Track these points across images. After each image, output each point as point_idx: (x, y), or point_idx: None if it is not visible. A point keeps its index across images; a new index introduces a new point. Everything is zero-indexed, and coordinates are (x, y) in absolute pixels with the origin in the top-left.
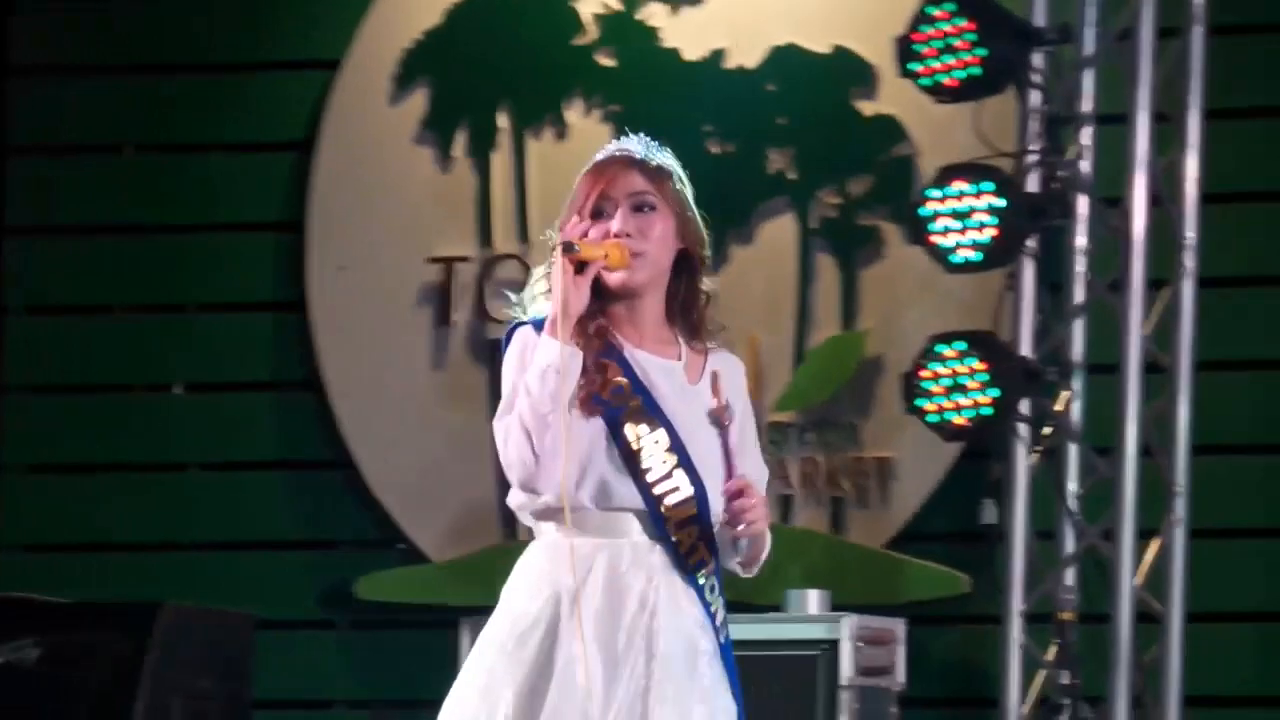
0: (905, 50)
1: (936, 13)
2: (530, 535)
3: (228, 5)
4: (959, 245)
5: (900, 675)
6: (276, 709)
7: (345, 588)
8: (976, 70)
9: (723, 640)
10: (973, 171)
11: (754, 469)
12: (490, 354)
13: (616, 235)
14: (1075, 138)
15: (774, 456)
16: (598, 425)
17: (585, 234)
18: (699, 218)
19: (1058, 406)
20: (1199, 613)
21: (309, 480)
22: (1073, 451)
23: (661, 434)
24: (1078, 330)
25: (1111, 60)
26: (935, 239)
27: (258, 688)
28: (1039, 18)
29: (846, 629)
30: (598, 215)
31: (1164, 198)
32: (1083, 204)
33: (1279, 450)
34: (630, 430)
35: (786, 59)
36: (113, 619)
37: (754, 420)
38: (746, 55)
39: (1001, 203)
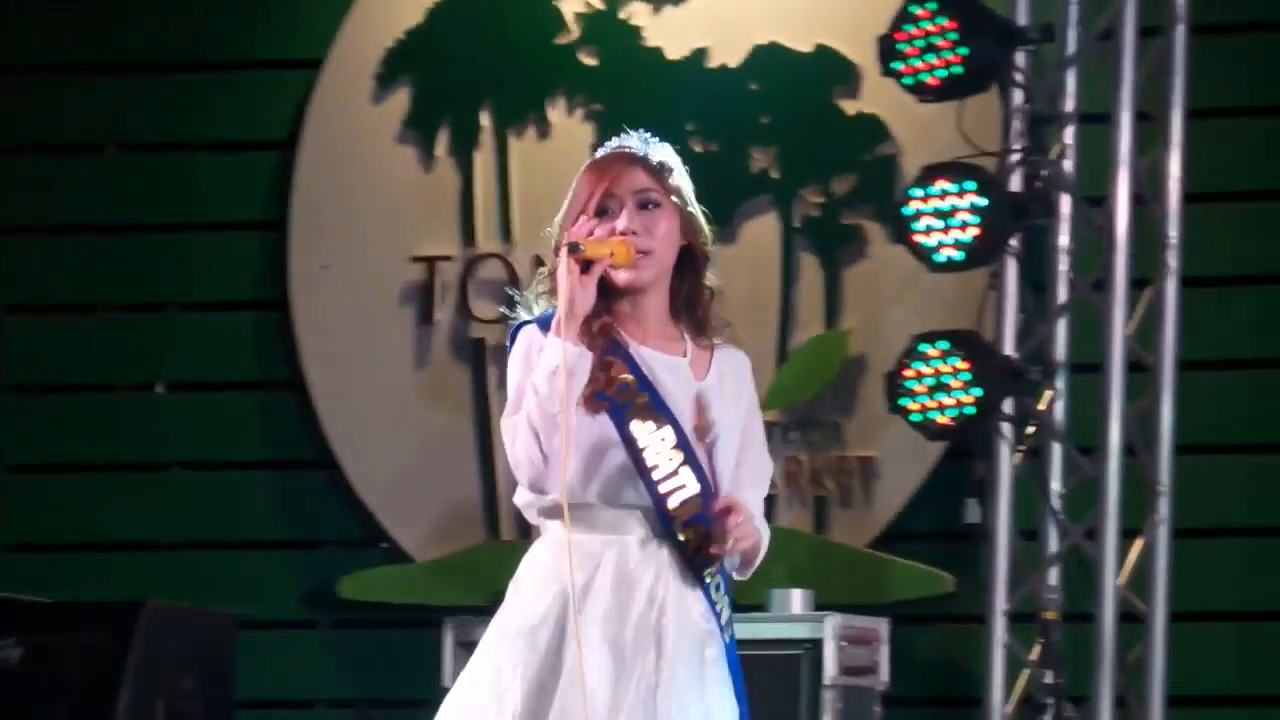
0: (888, 49)
1: (919, 12)
2: (515, 534)
3: (210, 4)
4: (942, 244)
5: (884, 674)
6: (259, 709)
7: (328, 587)
8: (959, 69)
9: (727, 639)
10: (956, 171)
11: (758, 464)
12: (472, 353)
13: (623, 233)
14: (1058, 137)
15: None
16: (604, 423)
17: (590, 233)
18: (700, 211)
19: (1041, 406)
20: (1182, 612)
21: (292, 480)
22: (1056, 451)
23: (668, 431)
24: (1061, 329)
25: (1094, 59)
26: (918, 238)
27: (240, 687)
28: (1021, 17)
29: (830, 628)
30: (602, 213)
31: (1147, 197)
32: (1065, 203)
33: (1262, 449)
34: (636, 428)
35: (769, 58)
36: (95, 618)
37: (760, 414)
38: (729, 54)
39: (984, 202)
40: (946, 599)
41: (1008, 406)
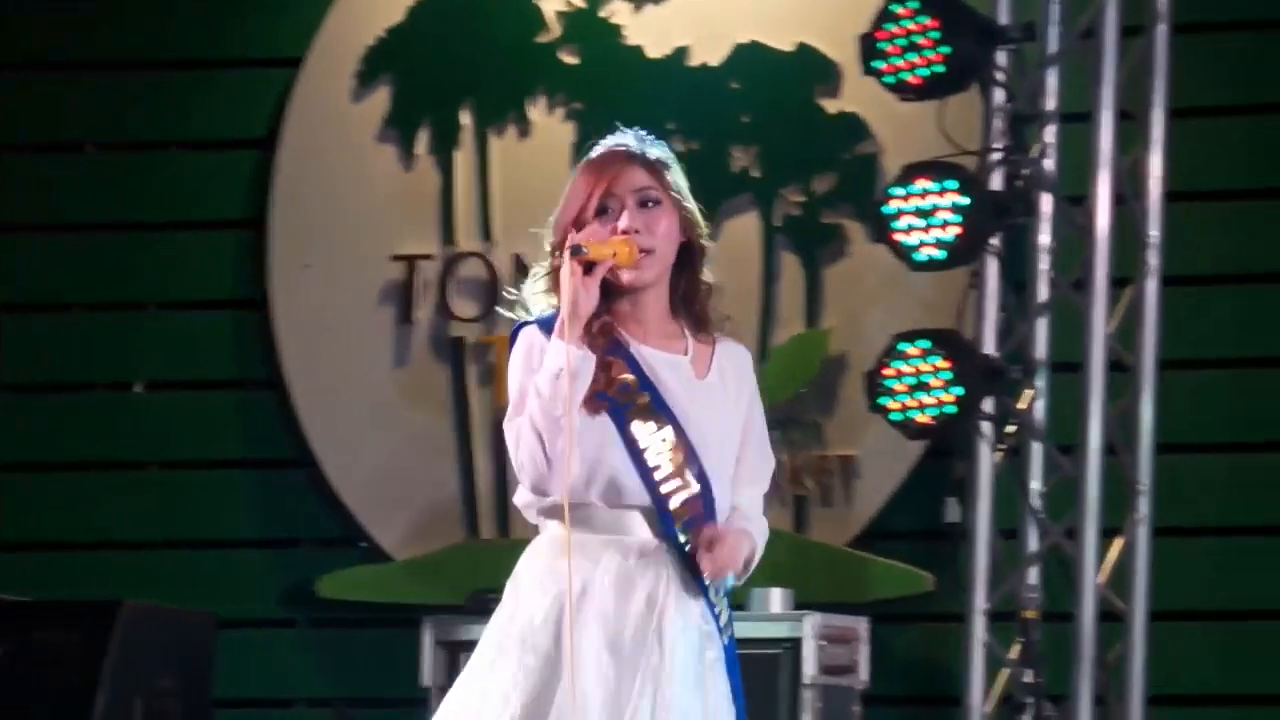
0: (869, 48)
1: (900, 10)
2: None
3: (190, 3)
4: (923, 243)
5: (863, 674)
6: (237, 708)
7: (307, 586)
8: (940, 68)
9: (726, 641)
10: (936, 169)
11: (758, 460)
12: (452, 352)
13: (624, 232)
14: (1039, 136)
15: None
16: (605, 423)
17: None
18: (696, 207)
19: (1021, 405)
20: (1162, 611)
21: (270, 479)
22: (1036, 450)
23: (669, 431)
24: (1041, 328)
25: (1075, 58)
26: (899, 237)
27: (219, 686)
28: (1003, 16)
29: (809, 627)
30: (602, 213)
31: (1128, 196)
32: (1046, 202)
33: (1242, 449)
34: (638, 428)
35: (750, 57)
36: (73, 618)
37: (761, 409)
38: (710, 53)
39: (965, 201)
40: (926, 598)
41: (988, 405)
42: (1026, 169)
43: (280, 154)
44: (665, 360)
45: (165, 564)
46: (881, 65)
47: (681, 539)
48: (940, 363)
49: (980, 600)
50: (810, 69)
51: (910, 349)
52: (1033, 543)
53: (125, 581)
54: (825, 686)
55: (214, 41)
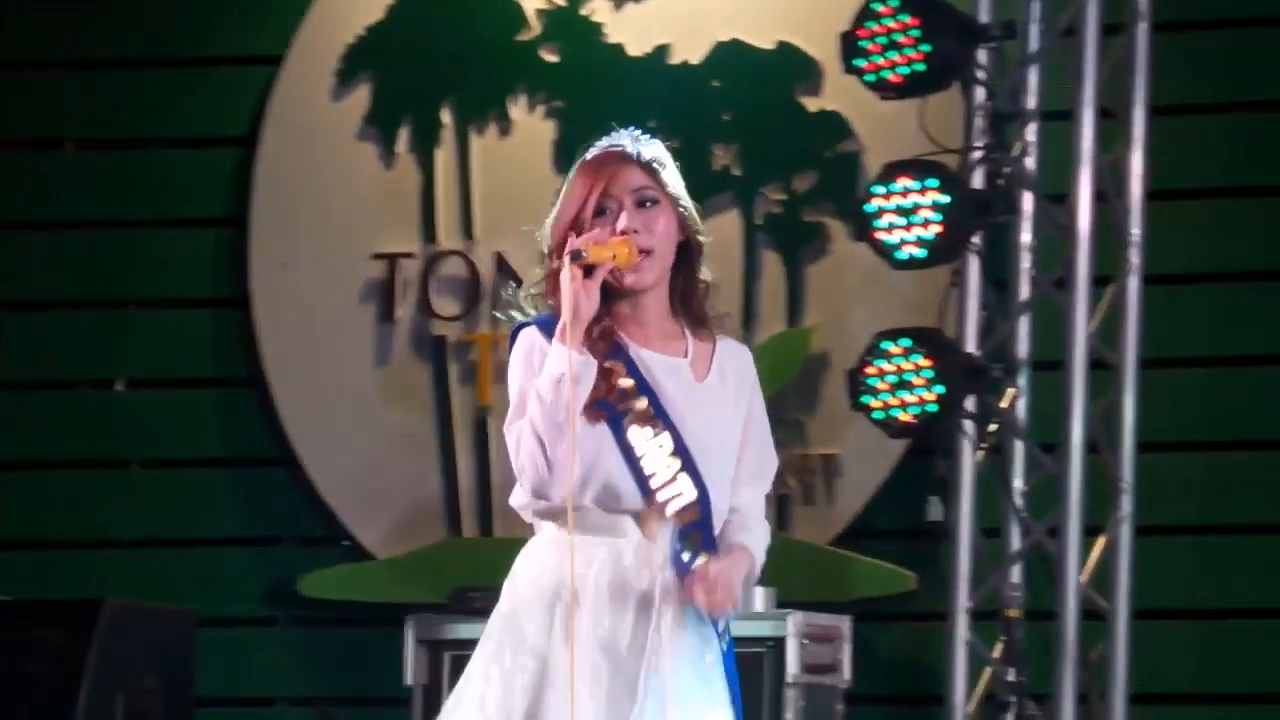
0: (850, 46)
1: (881, 9)
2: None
3: (169, 1)
4: (904, 242)
5: (846, 672)
6: (219, 706)
7: (288, 585)
8: (921, 66)
9: (724, 646)
10: (918, 168)
11: (759, 460)
12: (433, 350)
13: (623, 232)
14: (1020, 134)
15: None
16: (602, 429)
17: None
18: (693, 205)
19: (1003, 403)
20: (1145, 610)
21: (252, 477)
22: (1018, 448)
23: (666, 437)
24: (1023, 327)
25: (1056, 56)
26: (880, 235)
27: (201, 685)
28: (983, 14)
29: (792, 626)
30: (599, 214)
31: (1109, 194)
32: (1028, 200)
33: (1224, 447)
34: (635, 434)
35: (731, 55)
36: (54, 617)
37: (763, 407)
38: (690, 51)
39: (946, 199)
40: (909, 597)
41: (970, 404)
42: (1008, 167)
43: (261, 152)
44: (665, 364)
45: (147, 563)
46: (862, 63)
47: (677, 546)
48: (922, 361)
49: (963, 599)
50: (791, 67)
51: (892, 347)
52: (1015, 541)
53: (107, 580)
54: (808, 685)
55: (194, 40)
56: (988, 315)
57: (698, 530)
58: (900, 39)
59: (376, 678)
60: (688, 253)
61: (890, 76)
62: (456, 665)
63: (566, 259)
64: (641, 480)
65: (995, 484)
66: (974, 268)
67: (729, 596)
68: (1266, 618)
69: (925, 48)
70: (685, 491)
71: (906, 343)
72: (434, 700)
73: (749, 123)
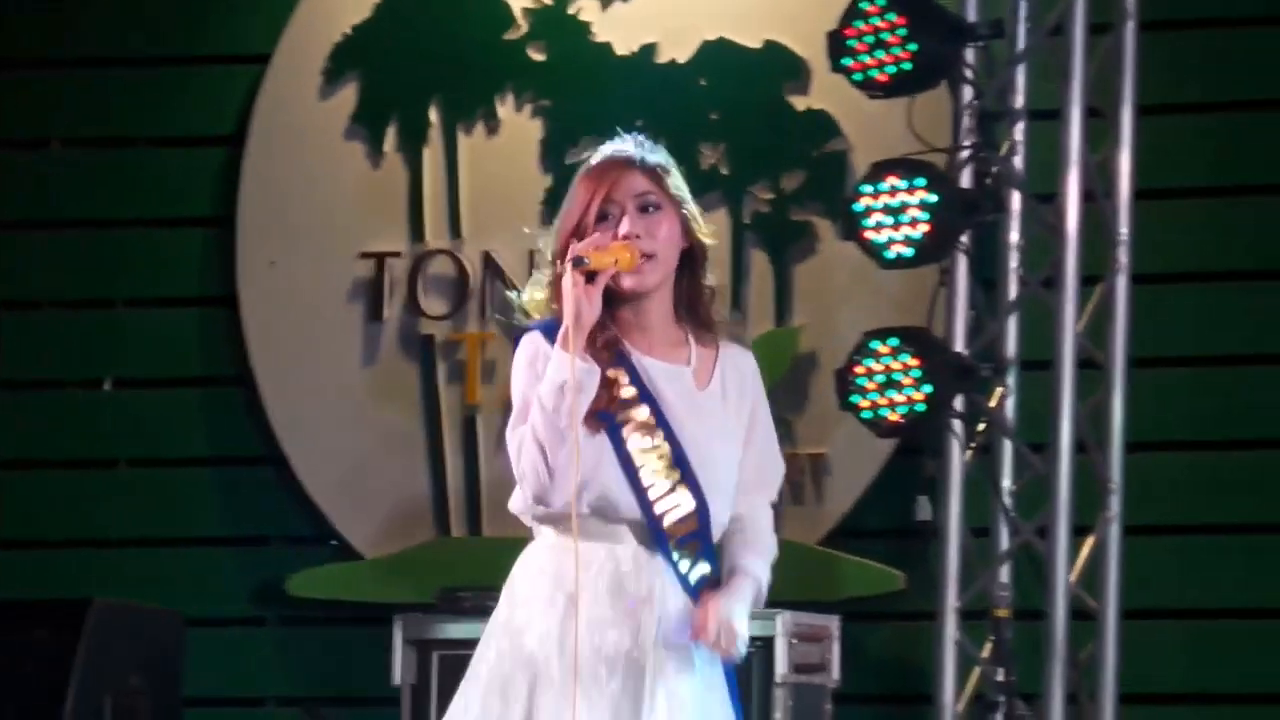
0: (837, 45)
1: (868, 8)
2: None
3: (157, 0)
4: (892, 241)
5: (835, 672)
6: (207, 706)
7: (277, 584)
8: (908, 65)
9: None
10: (906, 167)
11: (762, 469)
12: (421, 349)
13: (625, 238)
14: (1008, 133)
15: None
16: (602, 440)
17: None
18: (698, 211)
19: (992, 403)
20: (1134, 609)
21: (240, 476)
22: (1007, 448)
23: (666, 447)
24: (1011, 326)
25: (1044, 55)
26: (868, 234)
27: (189, 685)
28: (971, 13)
29: (781, 626)
30: (602, 219)
31: (1097, 193)
32: (1016, 200)
33: (1213, 447)
34: (635, 444)
35: (718, 54)
36: (42, 617)
37: (767, 412)
38: (678, 50)
39: (934, 198)
40: (898, 596)
41: (958, 403)
42: (996, 166)
43: (248, 151)
44: (667, 372)
45: (134, 562)
46: (849, 62)
47: (675, 556)
48: (910, 360)
49: (952, 598)
50: (779, 66)
51: (880, 347)
52: (1004, 541)
53: (94, 580)
54: (797, 685)
55: (181, 38)
56: (976, 315)
57: (695, 540)
58: (888, 38)
59: (365, 677)
60: (692, 259)
61: (878, 75)
62: (445, 665)
63: (568, 265)
64: (639, 492)
65: (984, 483)
66: (962, 267)
67: (731, 641)
68: (1256, 617)
69: (912, 46)
70: (683, 503)
71: (895, 342)
72: (422, 700)
73: (736, 122)
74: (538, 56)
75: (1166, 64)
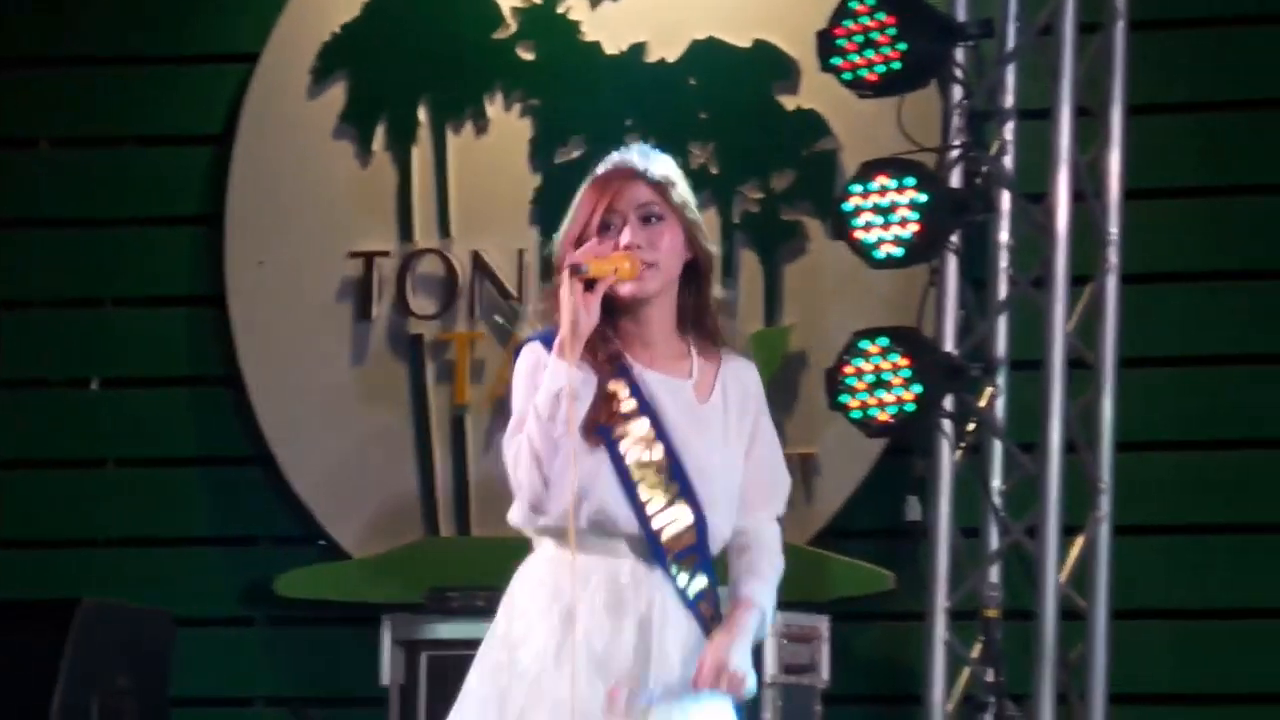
0: (827, 45)
1: (858, 7)
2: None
3: None
4: (882, 241)
5: (824, 672)
6: (195, 706)
7: (265, 584)
8: (898, 65)
9: None
10: (895, 166)
11: (767, 479)
12: (410, 349)
13: (626, 248)
14: (998, 133)
15: None
16: (600, 455)
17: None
18: (702, 221)
19: (981, 403)
20: (1124, 609)
21: (228, 476)
22: (997, 448)
23: (664, 462)
24: (1001, 326)
25: (1033, 55)
26: (858, 234)
27: (177, 685)
28: (960, 12)
29: (770, 626)
30: (605, 229)
31: (1087, 193)
32: (1006, 199)
33: (1203, 447)
34: (633, 459)
35: (708, 53)
36: (29, 616)
37: (770, 425)
38: (667, 49)
39: (924, 198)
40: (887, 596)
41: (948, 403)
42: (985, 166)
43: (236, 150)
44: (668, 385)
45: (122, 562)
46: (839, 62)
47: (673, 570)
48: (900, 360)
49: (941, 599)
50: (768, 65)
51: (870, 346)
52: (994, 541)
53: (82, 579)
54: (786, 685)
55: (169, 38)
56: (966, 314)
57: (694, 554)
58: (877, 37)
59: (353, 678)
60: (697, 271)
61: (867, 75)
62: (433, 665)
63: (565, 272)
64: (637, 506)
65: (974, 483)
66: (952, 267)
67: (736, 685)
68: (1245, 617)
69: (902, 46)
70: (681, 517)
71: (884, 342)
72: (410, 700)
73: (726, 121)
74: (527, 55)
75: (1156, 64)
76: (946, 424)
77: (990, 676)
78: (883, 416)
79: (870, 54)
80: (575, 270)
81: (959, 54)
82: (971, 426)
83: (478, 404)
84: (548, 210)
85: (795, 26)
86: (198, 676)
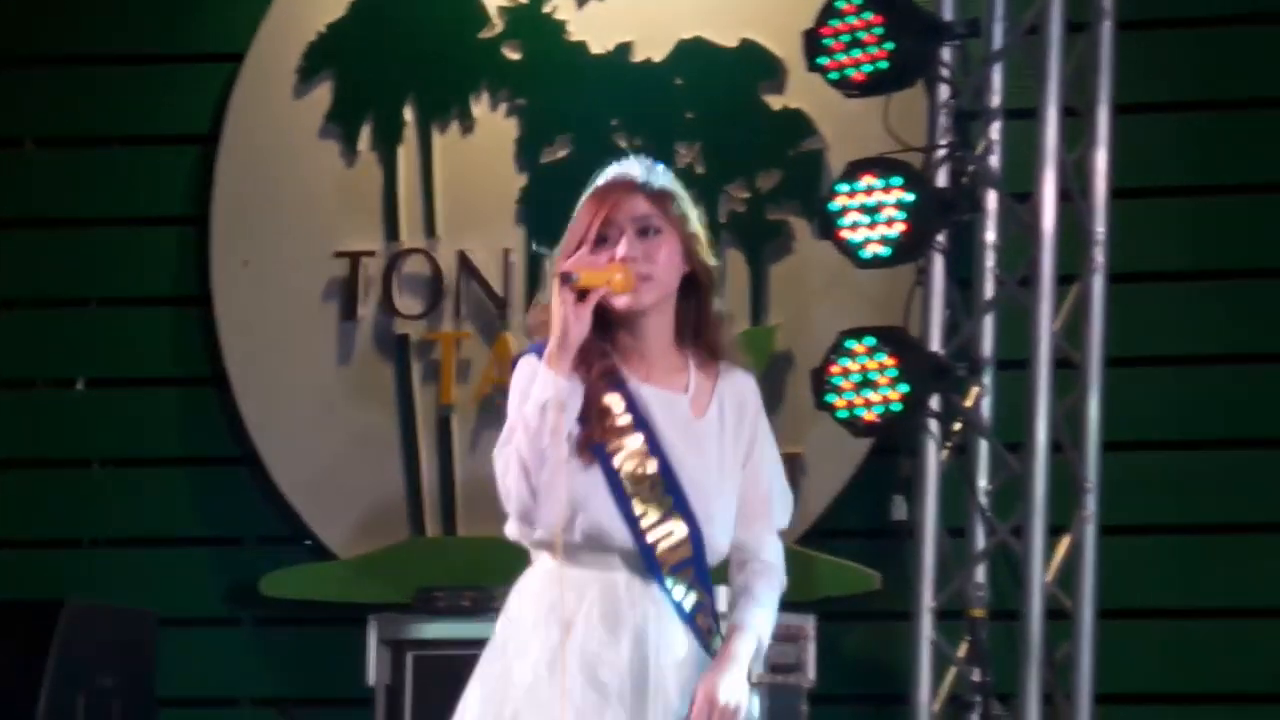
0: (813, 44)
1: (844, 6)
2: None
3: None
4: (868, 240)
5: (810, 672)
6: (181, 707)
7: (251, 585)
8: (884, 64)
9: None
10: (882, 166)
11: (767, 493)
12: (396, 349)
13: (621, 260)
14: (984, 132)
15: None
16: (594, 470)
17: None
18: (704, 235)
19: (968, 402)
20: (1110, 609)
21: (214, 476)
22: (983, 447)
23: (658, 476)
24: (987, 326)
25: (1020, 55)
26: (844, 234)
27: (162, 686)
28: (947, 12)
29: None
30: (602, 241)
31: (1073, 193)
32: (992, 199)
33: (1189, 446)
34: (627, 474)
35: (694, 52)
36: (14, 617)
37: (769, 439)
38: (654, 49)
39: (910, 198)
40: (873, 596)
41: (934, 403)
42: (972, 166)
43: (222, 150)
44: (663, 399)
45: (107, 562)
46: (825, 61)
47: (669, 584)
48: (886, 360)
49: (927, 598)
50: (754, 65)
51: (856, 346)
52: (980, 541)
53: (67, 580)
54: (772, 685)
55: (155, 37)
56: (952, 314)
57: (689, 567)
58: (863, 37)
59: (339, 678)
60: (696, 284)
61: (854, 74)
62: (420, 665)
63: (556, 281)
64: (631, 521)
65: (960, 483)
66: (938, 266)
67: (729, 711)
68: (1231, 617)
69: (889, 45)
70: (676, 530)
71: (871, 341)
72: (397, 701)
73: (712, 121)
74: (513, 55)
75: (1143, 63)
76: (933, 424)
77: (976, 676)
78: (869, 416)
79: (857, 53)
80: (566, 279)
81: (945, 53)
82: (957, 426)
83: (464, 404)
84: (534, 210)
85: (781, 26)
86: (184, 677)
